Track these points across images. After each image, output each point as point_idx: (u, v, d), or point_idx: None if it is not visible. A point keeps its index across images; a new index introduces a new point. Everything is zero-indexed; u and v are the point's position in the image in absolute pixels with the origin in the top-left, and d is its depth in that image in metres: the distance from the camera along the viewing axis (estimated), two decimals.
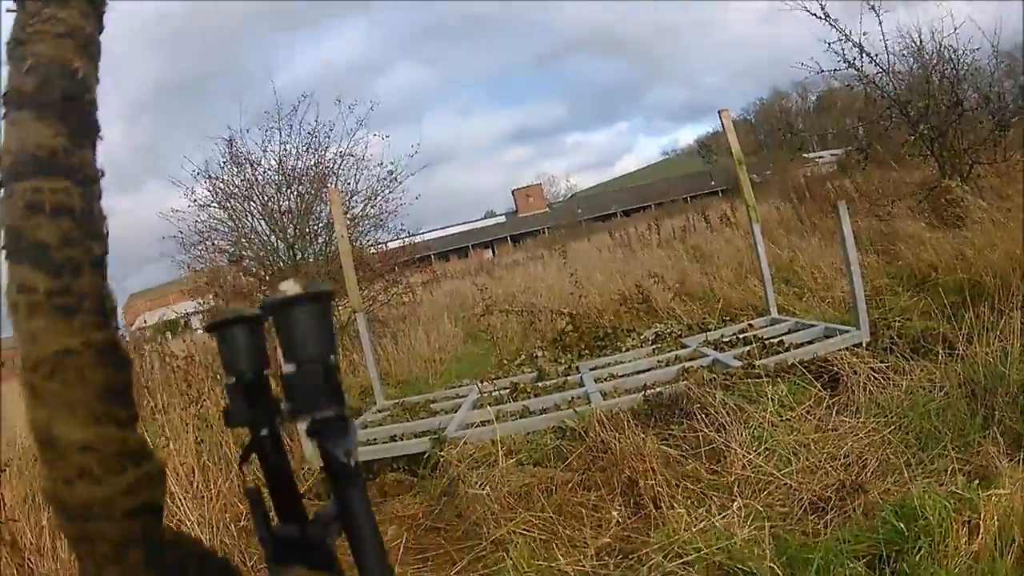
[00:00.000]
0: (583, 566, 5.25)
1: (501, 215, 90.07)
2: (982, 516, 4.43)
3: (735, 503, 5.53)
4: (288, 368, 0.91)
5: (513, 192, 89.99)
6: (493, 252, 64.54)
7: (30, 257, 0.76)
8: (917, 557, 4.35)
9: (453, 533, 6.64)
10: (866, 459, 5.92)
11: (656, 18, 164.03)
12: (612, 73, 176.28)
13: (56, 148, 0.78)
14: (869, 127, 18.17)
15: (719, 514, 5.44)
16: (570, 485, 6.51)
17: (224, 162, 17.64)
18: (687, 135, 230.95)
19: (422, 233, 22.28)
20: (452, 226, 68.69)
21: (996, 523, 4.40)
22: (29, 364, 0.77)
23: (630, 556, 5.33)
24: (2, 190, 0.76)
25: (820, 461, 6.02)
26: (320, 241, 17.57)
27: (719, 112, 12.20)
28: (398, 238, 19.47)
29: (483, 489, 6.59)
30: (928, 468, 5.47)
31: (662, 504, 5.83)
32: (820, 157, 42.95)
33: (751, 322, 11.33)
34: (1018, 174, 13.74)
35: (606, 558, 5.38)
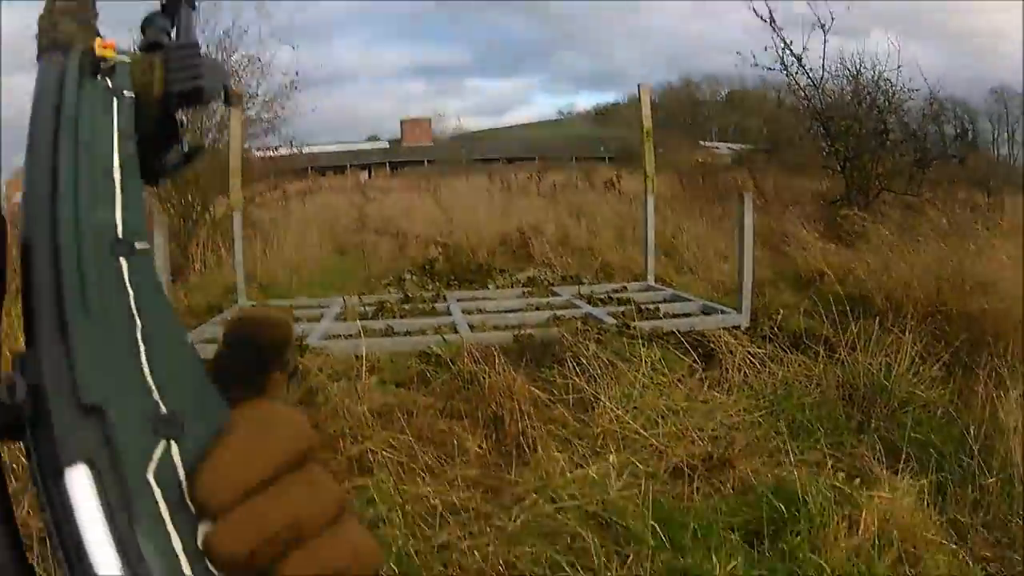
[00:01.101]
0: (451, 498, 5.04)
1: (384, 141, 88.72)
2: (863, 514, 4.46)
3: (611, 456, 5.43)
4: None
5: (402, 121, 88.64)
6: (369, 174, 63.86)
7: None
8: (796, 540, 4.35)
9: None
10: (734, 436, 5.89)
11: None
12: (526, 30, 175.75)
13: None
14: (779, 130, 18.57)
15: (591, 464, 5.33)
16: (432, 411, 6.36)
17: (134, 49, 16.79)
18: (585, 100, 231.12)
19: (306, 145, 21.95)
20: (334, 143, 67.34)
21: (876, 524, 4.44)
22: None
23: (498, 493, 5.18)
24: None
25: (688, 429, 5.97)
26: (210, 138, 16.98)
27: (639, 85, 12.44)
28: (286, 146, 19.10)
29: (343, 402, 6.34)
30: (798, 458, 5.43)
31: (526, 444, 5.74)
32: (716, 147, 43.38)
33: (626, 284, 11.35)
34: (926, 211, 13.93)
35: (473, 491, 5.20)
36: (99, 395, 0.46)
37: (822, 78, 17.38)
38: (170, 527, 0.43)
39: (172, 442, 0.46)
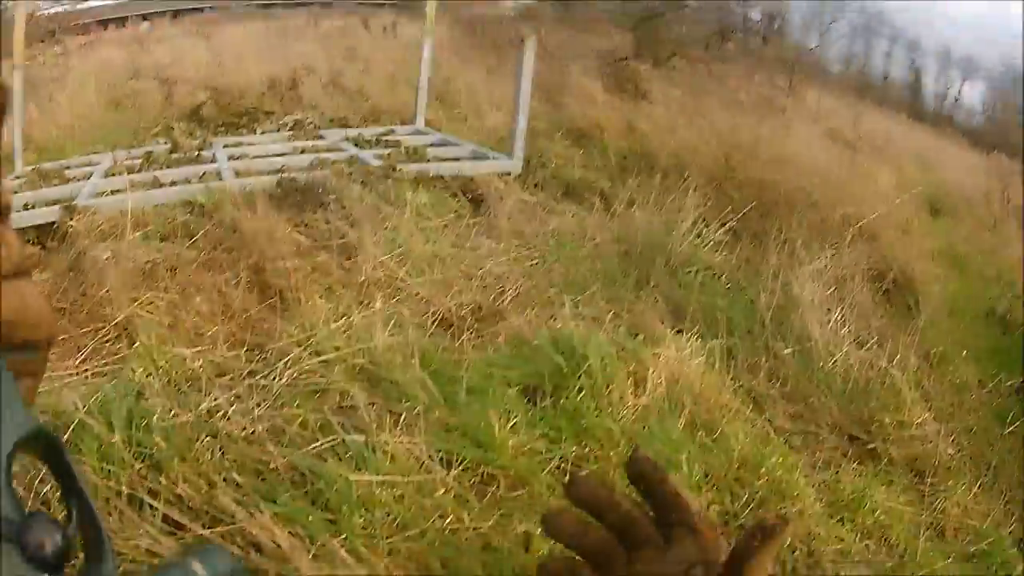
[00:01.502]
0: (212, 357, 4.78)
1: None
2: (650, 372, 4.44)
3: (376, 304, 5.32)
4: None
5: None
6: (149, 24, 61.71)
7: None
8: (578, 397, 4.25)
9: (77, 315, 5.84)
10: (504, 286, 5.91)
11: None
12: None
13: None
14: None
15: (356, 313, 5.19)
16: (195, 265, 6.03)
17: None
18: None
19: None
20: None
21: (664, 384, 4.42)
22: None
23: (262, 349, 4.93)
24: None
25: (455, 278, 5.98)
26: None
27: None
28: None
29: (108, 263, 5.94)
30: (573, 311, 5.33)
31: (289, 295, 5.55)
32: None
33: (394, 128, 11.12)
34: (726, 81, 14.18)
35: (237, 349, 4.96)
36: None
37: None
38: None
39: None
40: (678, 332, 5.16)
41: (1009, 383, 5.90)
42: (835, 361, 5.35)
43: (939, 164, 14.09)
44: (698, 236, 6.88)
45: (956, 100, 21.00)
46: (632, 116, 11.29)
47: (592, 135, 10.94)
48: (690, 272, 6.37)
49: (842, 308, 5.98)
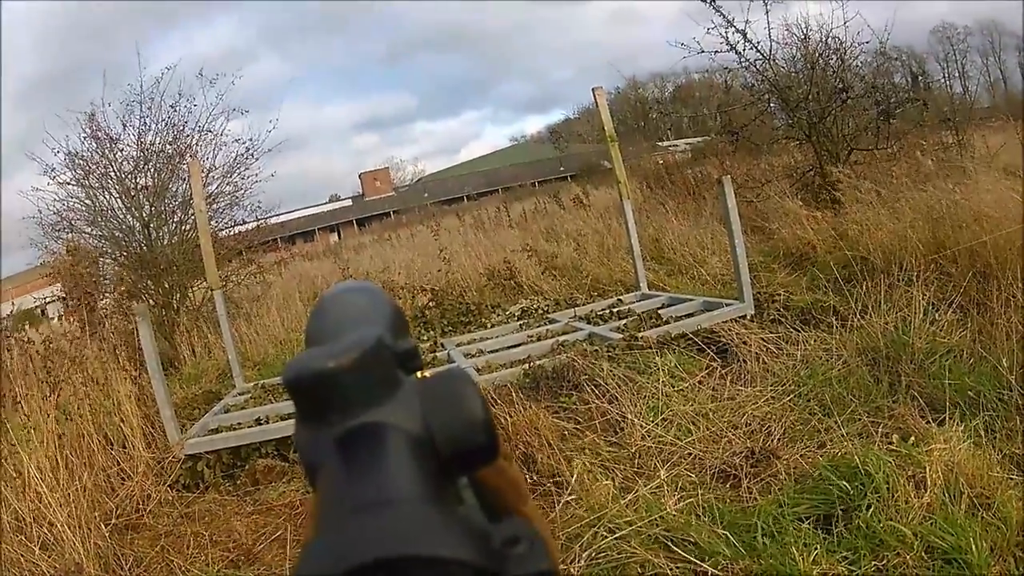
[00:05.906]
0: None
1: (347, 199, 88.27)
2: (927, 471, 4.45)
3: (661, 473, 5.37)
4: None
5: (360, 176, 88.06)
6: (339, 235, 63.90)
7: None
8: (868, 513, 4.30)
9: None
10: (770, 426, 5.87)
11: (505, 16, 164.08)
12: (461, 68, 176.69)
13: None
14: (737, 113, 18.27)
15: (641, 484, 5.27)
16: None
17: (84, 137, 16.30)
18: (534, 124, 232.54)
19: (272, 216, 21.53)
20: (298, 210, 66.91)
21: (941, 477, 4.43)
22: None
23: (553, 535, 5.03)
24: None
25: (722, 430, 5.95)
26: (175, 220, 16.69)
27: (593, 89, 11.97)
28: (254, 217, 18.58)
29: None
30: (838, 432, 5.40)
31: (565, 478, 5.61)
32: (675, 146, 43.39)
33: (620, 297, 11.09)
34: (895, 162, 13.71)
35: None
36: None
37: (771, 49, 16.82)
38: None
39: None
40: (940, 423, 5.15)
41: None
42: None
43: None
44: (931, 323, 6.77)
45: None
46: (836, 224, 11.20)
47: (807, 254, 10.99)
48: (934, 360, 6.26)
49: None
